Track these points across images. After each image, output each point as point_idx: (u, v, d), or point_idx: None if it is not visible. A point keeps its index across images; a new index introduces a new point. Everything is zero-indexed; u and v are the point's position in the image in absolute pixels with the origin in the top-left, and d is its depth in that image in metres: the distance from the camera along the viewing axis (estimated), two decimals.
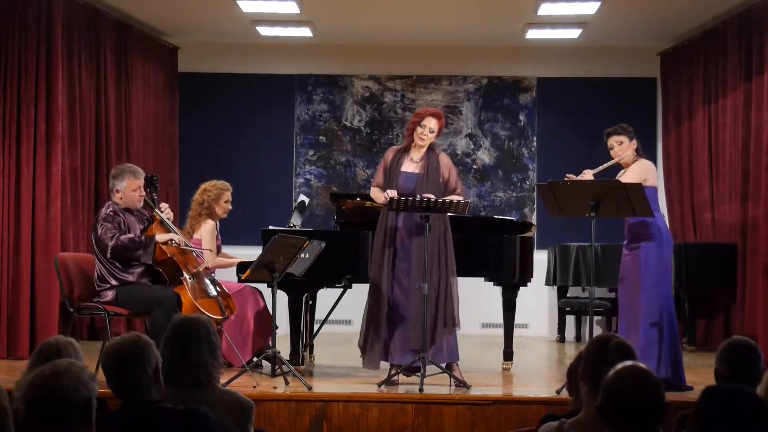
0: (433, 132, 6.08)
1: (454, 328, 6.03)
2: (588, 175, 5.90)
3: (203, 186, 6.95)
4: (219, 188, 6.89)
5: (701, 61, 9.11)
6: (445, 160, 6.21)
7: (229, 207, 6.92)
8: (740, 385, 2.53)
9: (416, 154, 6.14)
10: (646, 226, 5.86)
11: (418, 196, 5.86)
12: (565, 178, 5.95)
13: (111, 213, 6.08)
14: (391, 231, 6.05)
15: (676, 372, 5.77)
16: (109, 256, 5.98)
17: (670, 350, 5.80)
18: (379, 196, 6.12)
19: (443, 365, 5.94)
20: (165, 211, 6.28)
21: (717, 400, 2.45)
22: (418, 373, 5.74)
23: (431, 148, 6.17)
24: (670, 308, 5.88)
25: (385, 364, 6.08)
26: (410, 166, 6.13)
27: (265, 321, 6.69)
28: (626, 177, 5.87)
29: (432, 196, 5.86)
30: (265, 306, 6.77)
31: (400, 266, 6.03)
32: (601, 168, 5.99)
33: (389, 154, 6.23)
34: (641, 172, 5.88)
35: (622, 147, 5.99)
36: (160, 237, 6.09)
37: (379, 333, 6.00)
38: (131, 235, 6.04)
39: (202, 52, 10.11)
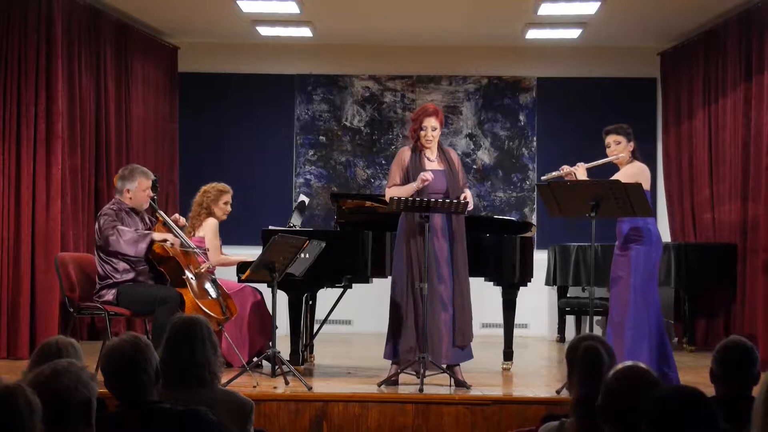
0: (436, 129, 6.07)
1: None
2: (581, 168, 5.96)
3: (203, 188, 6.99)
4: (218, 190, 6.92)
5: (701, 61, 9.11)
6: (455, 156, 6.24)
7: (228, 209, 6.93)
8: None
9: (431, 154, 6.13)
10: (637, 228, 5.89)
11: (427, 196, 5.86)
12: (561, 169, 5.99)
13: (114, 209, 6.13)
14: (420, 229, 5.95)
15: (660, 371, 5.76)
16: (109, 247, 5.98)
17: (657, 350, 5.80)
18: (403, 190, 5.94)
19: (443, 365, 5.94)
20: (172, 217, 6.34)
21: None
22: (428, 372, 5.74)
23: (439, 144, 6.17)
24: (657, 309, 5.90)
25: (385, 363, 6.08)
26: (431, 164, 6.10)
27: (265, 321, 6.70)
28: (617, 178, 5.87)
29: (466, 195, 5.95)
30: (265, 306, 6.77)
31: (433, 266, 5.93)
32: (595, 164, 6.06)
33: (405, 154, 6.13)
34: (633, 174, 5.87)
35: (618, 147, 6.03)
36: (157, 235, 6.11)
37: (409, 336, 5.93)
38: (131, 229, 6.08)
39: (202, 52, 10.11)
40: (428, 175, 5.88)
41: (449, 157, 6.15)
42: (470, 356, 6.12)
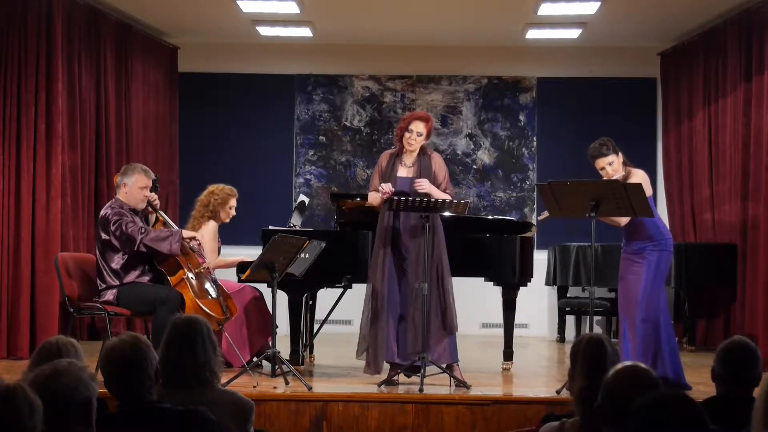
0: (421, 135, 6.07)
1: (452, 332, 6.05)
2: None
3: (211, 188, 6.93)
4: (226, 193, 6.88)
5: (701, 61, 9.11)
6: (437, 160, 6.20)
7: (233, 213, 6.92)
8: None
9: (408, 159, 6.14)
10: (647, 229, 5.87)
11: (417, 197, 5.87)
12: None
13: (119, 210, 6.04)
14: (391, 232, 6.05)
15: (675, 371, 5.78)
16: (140, 249, 5.94)
17: (668, 349, 5.81)
18: (376, 197, 6.10)
19: (443, 365, 5.94)
20: (154, 201, 6.28)
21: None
22: (419, 374, 5.74)
23: (422, 150, 6.16)
24: (666, 308, 5.92)
25: (385, 365, 6.08)
26: (404, 170, 6.13)
27: (265, 321, 6.70)
28: None
29: (431, 188, 5.94)
30: (265, 306, 6.77)
31: (401, 267, 6.03)
32: None
33: (383, 159, 6.21)
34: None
35: (613, 166, 5.90)
36: (187, 233, 6.17)
37: (380, 335, 5.98)
38: (159, 229, 6.09)
39: (202, 52, 10.11)
40: (387, 187, 5.95)
41: (428, 162, 6.12)
42: (435, 363, 5.95)
